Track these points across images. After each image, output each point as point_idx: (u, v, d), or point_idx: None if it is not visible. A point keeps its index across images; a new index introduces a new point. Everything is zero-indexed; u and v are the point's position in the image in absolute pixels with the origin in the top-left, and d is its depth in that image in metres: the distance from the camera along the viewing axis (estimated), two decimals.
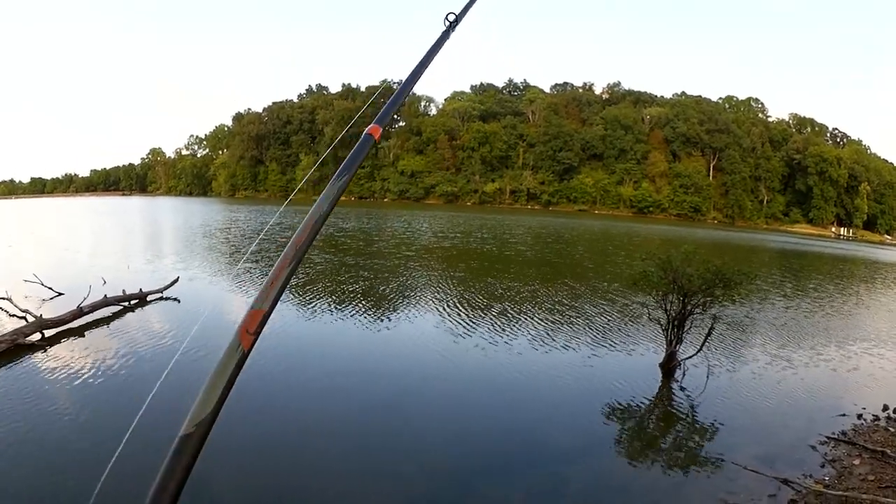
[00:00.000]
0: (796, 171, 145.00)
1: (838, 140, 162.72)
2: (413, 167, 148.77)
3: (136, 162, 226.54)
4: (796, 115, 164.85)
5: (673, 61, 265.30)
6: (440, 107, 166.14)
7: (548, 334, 14.94)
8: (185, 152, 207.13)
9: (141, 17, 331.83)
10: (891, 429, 9.67)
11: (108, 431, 8.16)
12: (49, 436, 8.01)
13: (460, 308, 17.61)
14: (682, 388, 11.44)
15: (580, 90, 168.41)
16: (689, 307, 11.85)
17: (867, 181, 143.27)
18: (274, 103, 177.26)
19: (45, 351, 11.81)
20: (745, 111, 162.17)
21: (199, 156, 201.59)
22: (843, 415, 10.31)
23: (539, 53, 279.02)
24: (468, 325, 15.58)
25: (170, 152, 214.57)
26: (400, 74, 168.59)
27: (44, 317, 12.94)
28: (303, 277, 21.81)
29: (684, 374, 11.93)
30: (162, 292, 17.46)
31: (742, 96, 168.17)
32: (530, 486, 7.47)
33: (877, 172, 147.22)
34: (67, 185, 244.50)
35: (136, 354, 11.79)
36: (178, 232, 45.10)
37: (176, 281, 18.46)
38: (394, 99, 3.50)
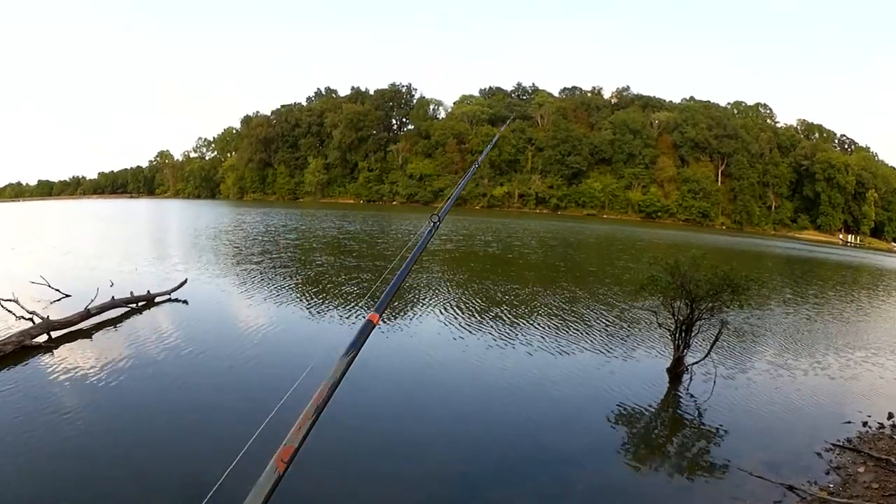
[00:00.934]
0: (804, 178, 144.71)
1: (846, 146, 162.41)
2: (422, 170, 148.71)
3: (144, 164, 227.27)
4: (804, 120, 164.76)
5: (681, 66, 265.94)
6: (449, 110, 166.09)
7: (553, 338, 14.95)
8: (193, 155, 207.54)
9: (141, 16, 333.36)
10: (895, 437, 9.66)
11: (115, 434, 8.21)
12: (53, 437, 8.05)
13: (460, 311, 17.63)
14: (689, 393, 11.45)
15: (589, 94, 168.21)
16: (696, 312, 11.85)
17: (875, 188, 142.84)
18: (282, 106, 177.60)
19: (52, 352, 11.84)
20: (753, 117, 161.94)
21: (207, 158, 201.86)
22: (849, 422, 10.30)
23: (548, 57, 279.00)
24: (469, 328, 15.62)
25: (178, 155, 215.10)
26: (405, 77, 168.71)
27: (51, 318, 12.98)
28: (302, 277, 21.90)
29: (691, 379, 11.94)
30: (170, 294, 17.52)
31: (750, 102, 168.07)
32: (537, 490, 7.48)
33: (884, 179, 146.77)
34: (75, 188, 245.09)
35: (143, 356, 11.83)
36: (185, 234, 45.29)
37: (184, 283, 18.51)
38: (390, 288, 3.66)
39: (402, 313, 17.18)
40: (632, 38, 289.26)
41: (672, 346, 12.40)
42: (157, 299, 17.02)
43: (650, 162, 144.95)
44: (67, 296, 16.92)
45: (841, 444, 9.18)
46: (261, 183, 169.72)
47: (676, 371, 12.16)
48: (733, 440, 9.28)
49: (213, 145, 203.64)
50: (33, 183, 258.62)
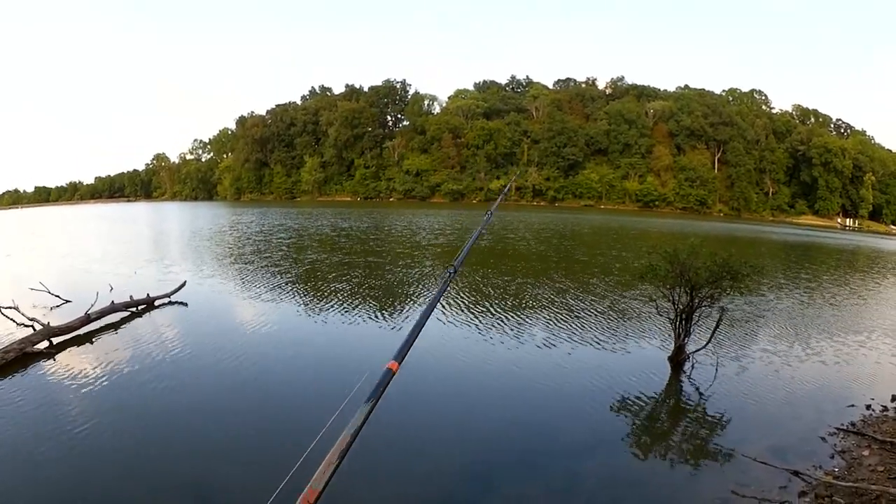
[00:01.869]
0: (801, 163, 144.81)
1: (842, 131, 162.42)
2: (418, 166, 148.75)
3: (141, 168, 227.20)
4: (800, 106, 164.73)
5: (675, 55, 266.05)
6: (444, 105, 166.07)
7: (551, 331, 14.95)
8: (189, 157, 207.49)
9: (139, 16, 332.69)
10: None
11: (119, 439, 8.21)
12: (57, 443, 8.05)
13: (456, 306, 17.60)
14: (691, 382, 11.45)
15: (583, 85, 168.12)
16: (696, 300, 11.85)
17: (872, 171, 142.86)
18: (277, 105, 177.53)
19: (54, 358, 11.84)
20: (748, 103, 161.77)
21: (203, 160, 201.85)
22: (852, 405, 10.30)
23: (542, 50, 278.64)
24: (466, 323, 15.61)
25: (174, 157, 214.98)
26: (400, 73, 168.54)
27: (51, 324, 12.97)
28: (295, 276, 21.93)
29: (693, 368, 11.95)
30: (170, 297, 17.52)
31: (745, 88, 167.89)
32: (546, 482, 7.48)
33: (881, 162, 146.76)
34: (72, 193, 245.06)
35: (144, 360, 11.82)
36: (184, 236, 45.30)
37: (183, 285, 18.50)
38: (409, 338, 3.74)
39: (400, 310, 17.18)
40: (625, 27, 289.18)
41: (673, 335, 12.40)
42: (157, 302, 17.00)
43: (646, 151, 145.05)
44: (67, 301, 16.87)
45: (845, 427, 9.17)
46: (257, 183, 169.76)
47: (678, 360, 12.16)
48: (737, 427, 9.28)
49: (208, 147, 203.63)
50: (30, 190, 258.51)
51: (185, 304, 17.27)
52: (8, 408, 9.21)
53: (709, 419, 9.70)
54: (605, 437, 8.89)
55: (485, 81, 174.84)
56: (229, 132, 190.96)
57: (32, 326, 13.29)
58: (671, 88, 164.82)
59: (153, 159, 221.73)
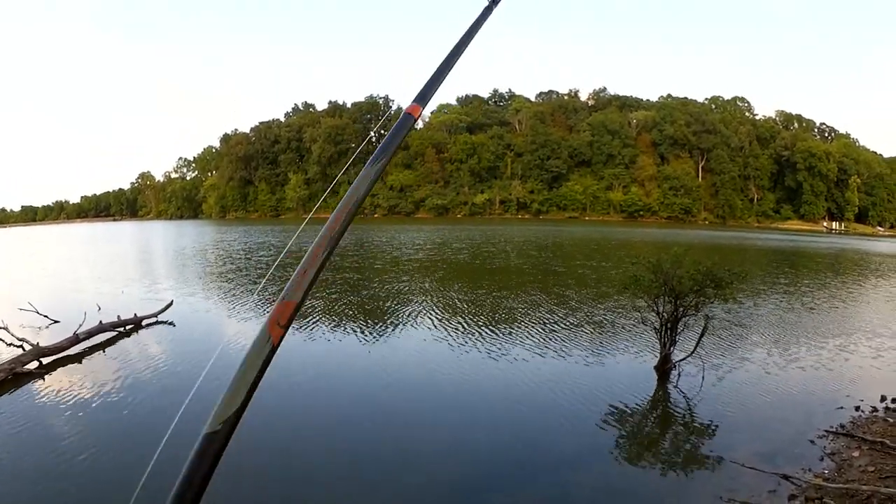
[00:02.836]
0: (785, 168, 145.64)
1: (826, 134, 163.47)
2: (402, 181, 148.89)
3: (126, 187, 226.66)
4: (783, 111, 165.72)
5: (658, 64, 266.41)
6: (426, 120, 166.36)
7: (534, 343, 14.96)
8: (174, 175, 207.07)
9: (124, 28, 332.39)
10: (889, 419, 9.72)
11: (109, 458, 8.19)
12: (48, 462, 8.02)
13: (441, 321, 17.67)
14: (678, 390, 11.48)
15: (566, 97, 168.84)
16: (681, 309, 11.89)
17: (857, 174, 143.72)
18: (261, 123, 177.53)
19: (44, 379, 11.85)
20: (731, 111, 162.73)
21: (188, 178, 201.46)
22: (841, 408, 10.36)
23: (524, 62, 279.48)
24: (451, 337, 15.63)
25: (159, 176, 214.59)
26: (382, 89, 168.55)
27: (40, 345, 12.96)
28: (275, 292, 21.91)
29: (679, 376, 11.99)
30: (157, 316, 17.45)
31: (728, 96, 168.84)
32: (535, 494, 7.48)
33: (866, 165, 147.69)
34: (58, 213, 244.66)
35: (133, 379, 11.81)
36: (169, 256, 45.12)
37: (170, 305, 18.45)
38: (435, 75, 3.40)
39: (384, 324, 17.20)
40: (607, 38, 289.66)
41: (658, 344, 12.44)
42: (145, 322, 16.93)
43: (630, 161, 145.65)
44: (56, 321, 16.92)
45: (834, 430, 9.23)
46: (242, 201, 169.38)
47: (664, 368, 12.20)
48: (725, 433, 9.32)
49: (193, 165, 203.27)
50: (17, 209, 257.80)
51: (172, 324, 17.20)
52: (0, 427, 9.19)
53: (697, 426, 9.74)
54: (595, 448, 8.91)
55: (467, 96, 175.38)
56: (214, 150, 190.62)
57: (22, 347, 13.28)
58: (654, 98, 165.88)
59: (138, 178, 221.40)
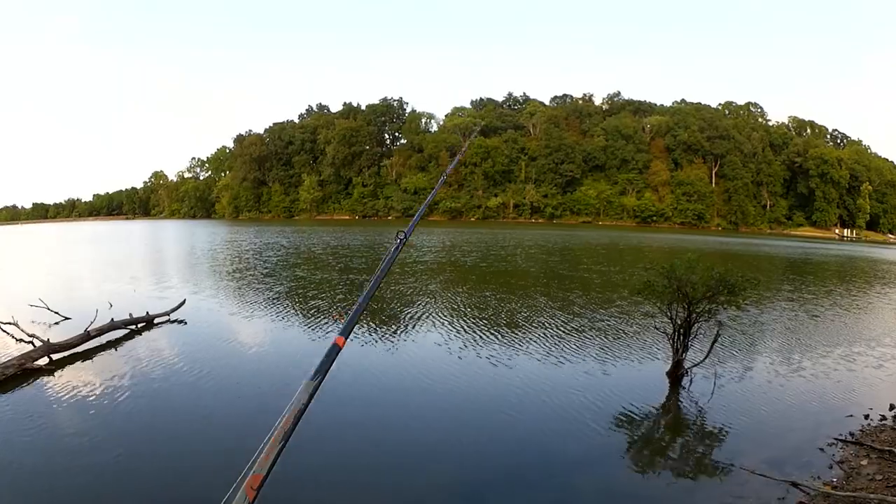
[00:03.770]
0: (798, 175, 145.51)
1: (838, 141, 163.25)
2: (416, 184, 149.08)
3: (139, 186, 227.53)
4: (795, 117, 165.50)
5: (672, 69, 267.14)
6: (441, 123, 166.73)
7: (547, 347, 14.90)
8: (187, 175, 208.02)
9: (138, 30, 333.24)
10: None
11: (116, 455, 8.21)
12: (56, 457, 8.06)
13: (450, 323, 17.67)
14: (689, 396, 11.44)
15: (580, 102, 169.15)
16: (694, 315, 11.87)
17: (868, 181, 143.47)
18: (275, 124, 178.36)
19: (53, 375, 11.85)
20: (744, 116, 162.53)
21: (201, 178, 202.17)
22: (850, 416, 10.31)
23: (538, 66, 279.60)
24: (461, 340, 15.58)
25: (172, 175, 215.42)
26: (397, 91, 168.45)
27: (51, 341, 12.98)
28: (284, 292, 21.96)
29: (691, 382, 11.94)
30: (169, 315, 17.48)
31: (741, 101, 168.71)
32: (541, 496, 7.47)
33: (878, 172, 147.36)
34: (70, 210, 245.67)
35: (143, 378, 11.81)
36: (182, 254, 45.40)
37: (183, 304, 18.47)
38: (357, 308, 3.88)
39: (392, 326, 17.16)
40: (621, 43, 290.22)
41: (671, 350, 12.41)
42: (157, 320, 16.97)
43: (643, 167, 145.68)
44: (67, 318, 16.93)
45: (843, 438, 9.19)
46: (256, 202, 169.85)
47: (676, 374, 12.16)
48: (735, 440, 9.29)
49: (206, 165, 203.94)
50: (28, 206, 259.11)
51: (185, 323, 17.23)
52: (8, 421, 9.28)
53: (707, 432, 9.72)
54: (604, 452, 8.88)
55: (481, 99, 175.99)
56: (227, 150, 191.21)
57: (32, 342, 13.23)
58: (667, 103, 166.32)
59: (151, 177, 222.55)
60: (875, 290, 30.52)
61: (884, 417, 10.26)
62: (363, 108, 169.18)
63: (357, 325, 16.85)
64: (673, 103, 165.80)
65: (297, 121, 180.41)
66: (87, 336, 13.94)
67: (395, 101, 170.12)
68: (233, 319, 18.38)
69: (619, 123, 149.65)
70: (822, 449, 8.86)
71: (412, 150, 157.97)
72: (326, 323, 17.42)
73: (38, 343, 13.02)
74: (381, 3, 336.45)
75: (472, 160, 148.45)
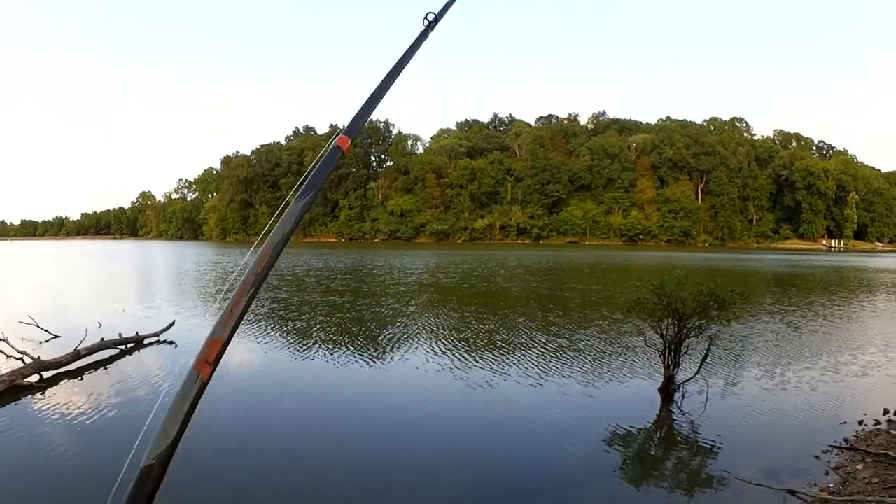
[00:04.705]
0: (784, 188, 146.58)
1: (824, 152, 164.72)
2: (402, 206, 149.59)
3: (127, 206, 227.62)
4: (781, 130, 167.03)
5: (657, 86, 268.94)
6: (427, 145, 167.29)
7: (541, 366, 14.91)
8: (174, 196, 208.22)
9: (129, 46, 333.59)
10: (892, 431, 9.73)
11: (105, 474, 8.15)
12: (46, 476, 8.05)
13: (445, 345, 17.76)
14: (682, 411, 11.44)
15: (565, 121, 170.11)
16: (684, 331, 11.88)
17: (855, 190, 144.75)
18: (262, 146, 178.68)
19: (44, 392, 11.86)
20: (730, 131, 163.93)
21: (188, 199, 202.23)
22: (844, 422, 10.36)
23: (524, 86, 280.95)
24: (455, 361, 15.63)
25: (160, 196, 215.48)
26: (384, 115, 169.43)
27: (41, 359, 12.96)
28: (269, 312, 21.91)
29: (683, 397, 11.93)
30: (158, 336, 17.42)
31: (726, 117, 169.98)
32: None
33: (865, 181, 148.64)
34: (58, 229, 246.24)
35: (133, 397, 11.78)
36: (171, 276, 45.35)
37: (172, 325, 18.43)
38: (366, 105, 3.36)
39: (390, 350, 17.08)
40: (606, 62, 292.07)
41: (662, 366, 12.41)
42: (146, 341, 16.91)
43: (629, 185, 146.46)
44: (56, 336, 16.97)
45: (838, 444, 9.21)
46: (243, 223, 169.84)
47: (668, 390, 12.15)
48: (730, 451, 9.28)
49: (194, 186, 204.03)
50: (17, 222, 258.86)
51: (174, 344, 17.19)
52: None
53: (701, 446, 9.70)
54: (599, 469, 8.85)
55: (467, 120, 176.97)
56: (214, 172, 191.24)
57: (22, 360, 13.26)
58: (653, 121, 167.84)
59: (139, 197, 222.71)
60: (859, 298, 30.74)
61: (878, 422, 10.32)
62: None
63: (333, 347, 16.94)
64: (658, 121, 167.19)
65: (283, 143, 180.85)
66: (77, 355, 13.91)
67: (381, 122, 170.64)
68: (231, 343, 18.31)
69: (605, 142, 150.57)
70: (817, 456, 8.88)
71: (398, 171, 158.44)
72: (296, 343, 17.59)
73: (27, 360, 12.99)
74: (367, 26, 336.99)
75: (458, 182, 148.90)
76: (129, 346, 16.22)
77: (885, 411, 10.78)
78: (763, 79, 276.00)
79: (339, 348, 16.96)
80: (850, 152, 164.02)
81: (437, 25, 3.90)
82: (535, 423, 10.77)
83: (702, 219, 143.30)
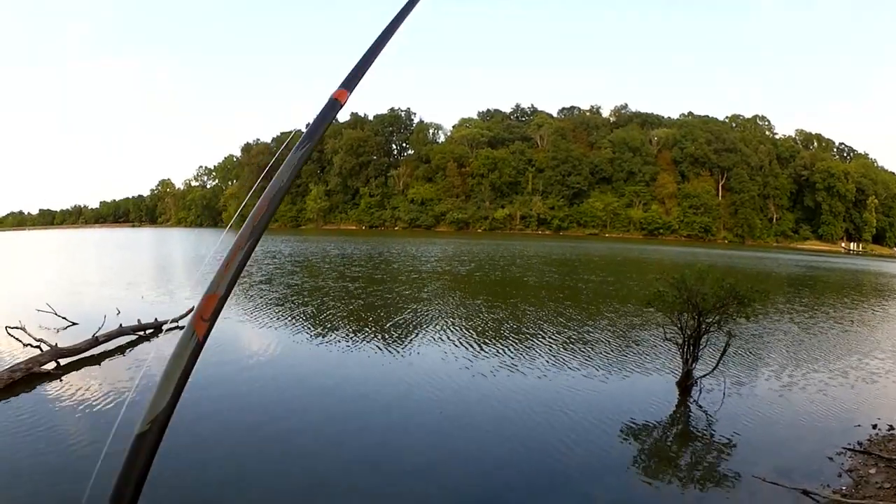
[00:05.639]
0: (804, 188, 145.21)
1: (845, 154, 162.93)
2: (423, 195, 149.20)
3: (146, 194, 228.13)
4: (802, 130, 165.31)
5: (679, 82, 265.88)
6: (448, 134, 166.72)
7: (558, 359, 14.92)
8: (194, 183, 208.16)
9: (149, 36, 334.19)
10: None
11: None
12: (63, 461, 8.13)
13: (460, 338, 17.75)
14: (699, 406, 11.44)
15: (587, 114, 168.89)
16: (704, 325, 11.87)
17: (875, 195, 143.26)
18: (282, 133, 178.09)
19: (60, 379, 11.91)
20: (751, 129, 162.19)
21: (208, 187, 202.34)
22: (858, 426, 10.34)
23: (546, 78, 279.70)
24: (473, 353, 15.71)
25: (179, 183, 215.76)
26: (406, 103, 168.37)
27: (59, 346, 13.05)
28: (286, 297, 21.97)
29: (701, 392, 11.94)
30: (177, 322, 17.48)
31: (748, 114, 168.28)
32: None
33: (884, 185, 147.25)
34: (76, 217, 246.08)
35: (152, 384, 11.80)
36: (189, 262, 45.61)
37: (191, 310, 18.42)
38: (364, 59, 3.20)
39: (401, 342, 17.05)
40: (629, 56, 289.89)
41: (680, 360, 12.41)
42: (165, 327, 16.93)
43: (650, 179, 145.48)
44: (74, 323, 17.06)
45: (852, 447, 9.21)
46: None
47: (686, 384, 12.16)
48: (745, 449, 9.29)
49: (213, 173, 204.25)
50: (35, 212, 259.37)
51: None
52: (14, 424, 9.37)
53: (717, 442, 9.71)
54: (615, 462, 8.87)
55: (489, 110, 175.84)
56: (234, 159, 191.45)
57: (39, 347, 13.30)
58: (675, 116, 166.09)
59: (158, 185, 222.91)
60: (882, 303, 30.48)
61: (892, 427, 10.27)
62: (371, 118, 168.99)
63: (339, 332, 17.00)
64: (680, 116, 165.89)
65: (303, 130, 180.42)
66: (95, 341, 14.02)
67: (402, 111, 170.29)
68: (239, 326, 18.37)
69: (627, 136, 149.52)
70: (830, 458, 8.87)
71: (419, 160, 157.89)
72: (304, 327, 17.66)
73: (45, 347, 13.08)
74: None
75: (479, 171, 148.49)
76: (148, 332, 16.35)
77: None
78: (786, 78, 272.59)
79: (352, 334, 17.12)
80: (870, 156, 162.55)
81: None
82: (550, 414, 10.77)
83: (722, 215, 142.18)
